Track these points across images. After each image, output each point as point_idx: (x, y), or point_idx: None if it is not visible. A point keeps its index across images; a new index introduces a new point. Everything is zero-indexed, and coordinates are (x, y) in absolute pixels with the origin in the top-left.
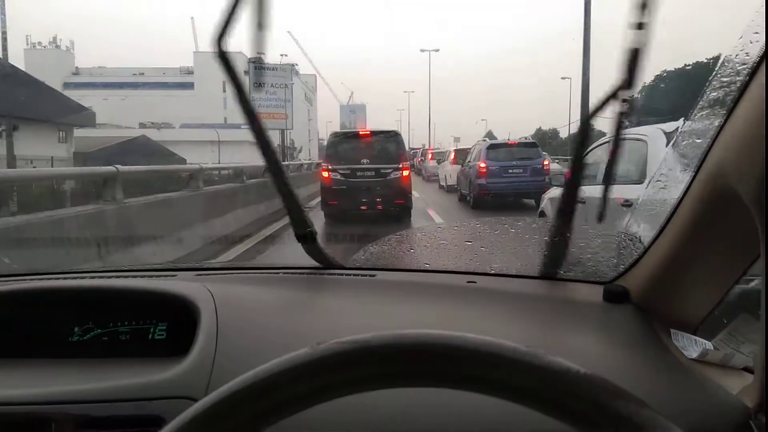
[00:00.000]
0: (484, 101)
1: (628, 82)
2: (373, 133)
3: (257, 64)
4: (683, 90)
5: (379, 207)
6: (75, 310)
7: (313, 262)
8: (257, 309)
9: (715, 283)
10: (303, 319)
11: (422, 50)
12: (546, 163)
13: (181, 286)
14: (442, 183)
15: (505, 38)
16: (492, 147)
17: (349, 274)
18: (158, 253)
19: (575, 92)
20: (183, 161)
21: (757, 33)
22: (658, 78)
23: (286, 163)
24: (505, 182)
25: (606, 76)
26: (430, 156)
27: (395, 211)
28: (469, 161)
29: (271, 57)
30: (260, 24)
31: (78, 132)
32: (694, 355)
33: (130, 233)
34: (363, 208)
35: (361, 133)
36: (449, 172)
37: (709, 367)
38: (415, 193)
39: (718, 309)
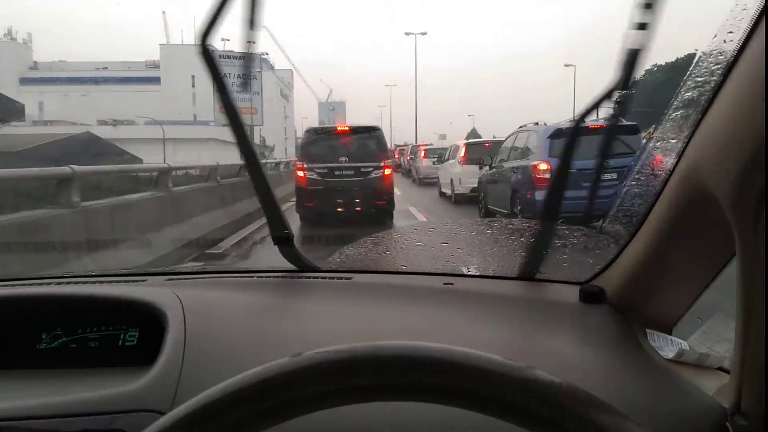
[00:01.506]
0: (470, 95)
1: (624, 82)
2: (352, 128)
3: (222, 54)
4: (676, 84)
5: (358, 209)
6: (42, 318)
7: (288, 265)
8: (228, 315)
9: (690, 282)
10: (276, 325)
11: (407, 33)
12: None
13: (149, 293)
14: (445, 189)
15: (494, 24)
16: (557, 134)
17: (325, 277)
18: (123, 260)
19: (582, 81)
20: (137, 160)
21: (731, 32)
22: (648, 72)
23: (264, 161)
24: (584, 197)
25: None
26: (422, 153)
27: (376, 213)
28: (504, 160)
29: (236, 44)
30: (252, 23)
31: (4, 129)
32: (670, 355)
33: (91, 239)
34: (341, 210)
35: (339, 129)
36: (459, 174)
37: (685, 368)
38: (411, 208)
39: (694, 308)
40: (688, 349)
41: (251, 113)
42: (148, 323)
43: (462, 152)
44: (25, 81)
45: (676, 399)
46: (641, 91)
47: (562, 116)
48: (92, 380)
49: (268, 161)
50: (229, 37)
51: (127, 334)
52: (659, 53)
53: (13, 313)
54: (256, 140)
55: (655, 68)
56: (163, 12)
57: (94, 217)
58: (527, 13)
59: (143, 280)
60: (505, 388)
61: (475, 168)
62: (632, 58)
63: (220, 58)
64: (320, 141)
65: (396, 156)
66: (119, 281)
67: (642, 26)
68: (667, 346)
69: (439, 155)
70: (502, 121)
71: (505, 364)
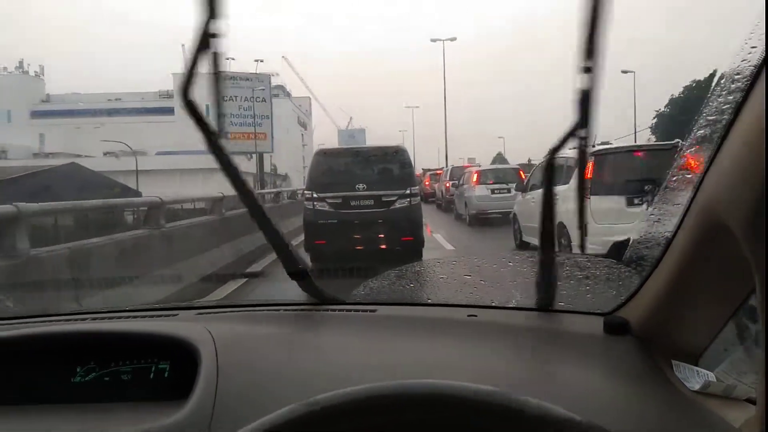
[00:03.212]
0: (500, 113)
1: (582, 122)
2: (372, 150)
3: (229, 75)
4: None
5: (382, 246)
6: (76, 353)
7: (311, 298)
8: (258, 349)
9: (714, 313)
10: (304, 358)
11: (433, 40)
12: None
13: (181, 328)
14: (530, 238)
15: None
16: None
17: (350, 310)
18: None
19: (643, 89)
20: (134, 193)
21: (738, 74)
22: (687, 89)
23: (262, 191)
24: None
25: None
26: (474, 178)
27: (401, 252)
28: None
29: (244, 63)
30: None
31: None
32: (697, 386)
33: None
34: (359, 248)
35: (355, 150)
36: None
37: (711, 399)
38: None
39: (720, 339)
40: (714, 380)
41: (263, 139)
42: (179, 356)
43: (591, 171)
44: (36, 114)
45: (702, 431)
46: (682, 107)
47: (616, 130)
48: (126, 415)
49: (262, 191)
50: (234, 56)
51: (158, 367)
52: (698, 67)
53: (49, 349)
54: (267, 168)
55: (694, 84)
56: (183, 45)
57: (42, 266)
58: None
59: (175, 314)
60: (523, 425)
61: (619, 203)
62: (584, 98)
63: (226, 80)
64: (333, 165)
65: (426, 183)
66: (152, 316)
67: (587, 70)
68: (693, 378)
69: (509, 181)
70: (534, 144)
71: (520, 401)
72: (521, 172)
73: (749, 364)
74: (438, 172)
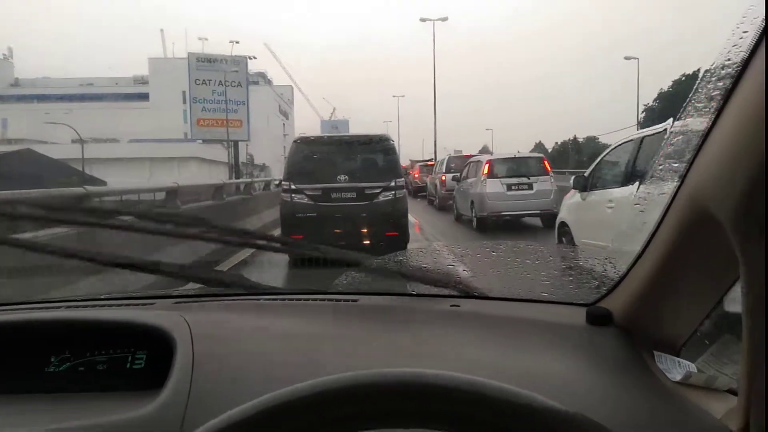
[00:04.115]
0: (489, 105)
1: None
2: (355, 138)
3: (200, 57)
4: None
5: (365, 242)
6: (50, 342)
7: (293, 286)
8: (235, 338)
9: (697, 304)
10: (283, 347)
11: (423, 19)
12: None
13: (156, 317)
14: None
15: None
16: None
17: (332, 299)
18: None
19: (648, 76)
20: (98, 182)
21: (728, 59)
22: (677, 83)
23: (231, 181)
24: None
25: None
26: (486, 170)
27: (385, 247)
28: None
29: (218, 45)
30: None
31: None
32: (678, 377)
33: None
34: (339, 243)
35: (337, 138)
36: None
37: (693, 390)
38: None
39: (702, 330)
40: (695, 371)
41: (238, 126)
42: (157, 346)
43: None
44: (4, 99)
45: (683, 422)
46: (671, 101)
47: (615, 123)
48: (100, 405)
49: (239, 180)
50: (207, 37)
51: (134, 356)
52: (684, 63)
53: (22, 337)
54: (242, 158)
55: (683, 78)
56: (162, 30)
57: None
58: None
59: (152, 303)
60: (507, 415)
61: None
62: None
63: (197, 62)
64: (313, 155)
65: (416, 175)
66: (128, 305)
67: None
68: (674, 368)
69: (531, 174)
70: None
71: (509, 391)
72: (546, 163)
73: (731, 355)
74: (429, 163)
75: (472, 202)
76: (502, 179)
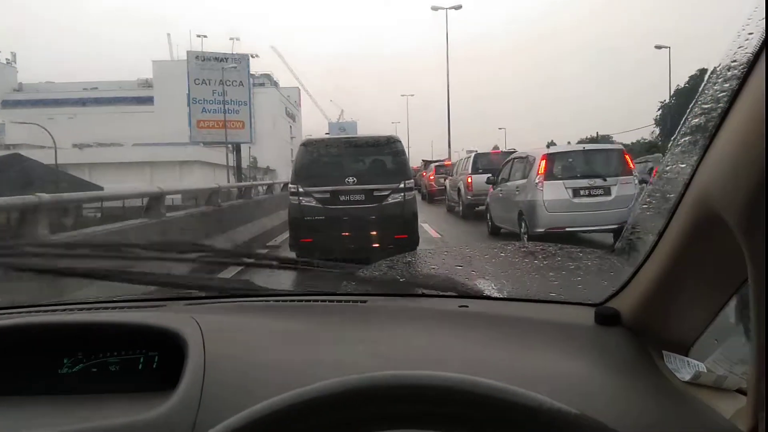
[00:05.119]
0: (505, 105)
1: None
2: (363, 140)
3: (200, 56)
4: None
5: (374, 245)
6: (63, 344)
7: (301, 288)
8: (246, 340)
9: (706, 303)
10: (293, 349)
11: (434, 8)
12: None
13: (168, 319)
14: None
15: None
16: None
17: (340, 300)
18: None
19: (680, 65)
20: (94, 187)
21: (734, 60)
22: (693, 79)
23: (226, 185)
24: None
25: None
26: (542, 167)
27: (394, 250)
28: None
29: (217, 42)
30: None
31: None
32: (687, 377)
33: None
34: (348, 246)
35: (345, 140)
36: None
37: (702, 390)
38: None
39: (711, 330)
40: (705, 371)
41: (240, 128)
42: (168, 347)
43: None
44: (8, 104)
45: (693, 423)
46: (689, 98)
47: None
48: (113, 406)
49: (237, 184)
50: (206, 34)
51: (146, 357)
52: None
53: (35, 339)
54: (245, 161)
55: (699, 74)
56: (168, 34)
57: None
58: None
59: (163, 305)
60: (510, 416)
61: None
62: None
63: (197, 60)
64: (321, 157)
65: (430, 178)
66: (139, 307)
67: None
68: (684, 368)
69: (607, 174)
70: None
71: (509, 390)
72: (628, 157)
73: (740, 354)
74: (446, 163)
75: (521, 213)
76: (565, 181)
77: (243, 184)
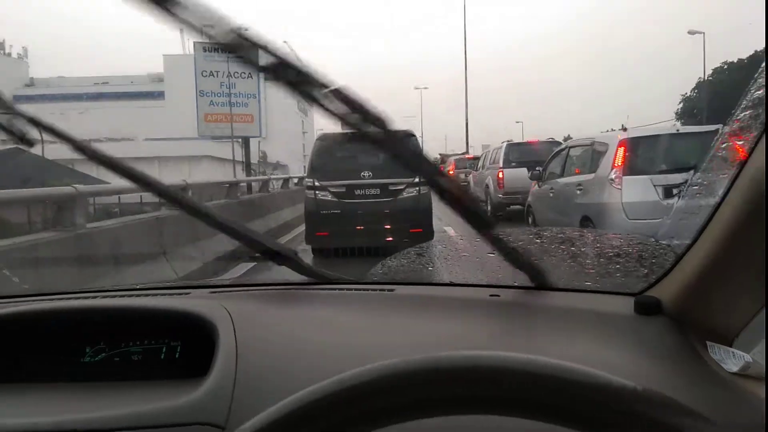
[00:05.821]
0: (524, 95)
1: None
2: (378, 135)
3: (206, 46)
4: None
5: (389, 239)
6: (86, 332)
7: (331, 276)
8: (276, 327)
9: (754, 293)
10: (322, 337)
11: None
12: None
13: (196, 305)
14: None
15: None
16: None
17: (367, 289)
18: None
19: (715, 51)
20: (96, 182)
21: None
22: (717, 72)
23: (235, 180)
24: None
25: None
26: (619, 158)
27: (409, 243)
28: None
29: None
30: None
31: None
32: (735, 368)
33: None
34: (364, 239)
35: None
36: None
37: (749, 380)
38: None
39: (756, 320)
40: (752, 361)
41: (249, 122)
42: (191, 336)
43: None
44: (19, 99)
45: (746, 413)
46: (713, 91)
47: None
48: (140, 393)
49: (250, 179)
50: (212, 24)
51: (169, 347)
52: (729, 50)
53: (58, 327)
54: (254, 156)
55: (725, 66)
56: (181, 30)
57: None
58: None
59: (187, 293)
60: (577, 396)
61: None
62: None
63: (204, 51)
64: (336, 151)
65: (450, 172)
66: (164, 294)
67: None
68: (730, 359)
69: None
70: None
71: (574, 369)
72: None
73: None
74: (468, 156)
75: (587, 218)
76: (653, 176)
77: (260, 177)
